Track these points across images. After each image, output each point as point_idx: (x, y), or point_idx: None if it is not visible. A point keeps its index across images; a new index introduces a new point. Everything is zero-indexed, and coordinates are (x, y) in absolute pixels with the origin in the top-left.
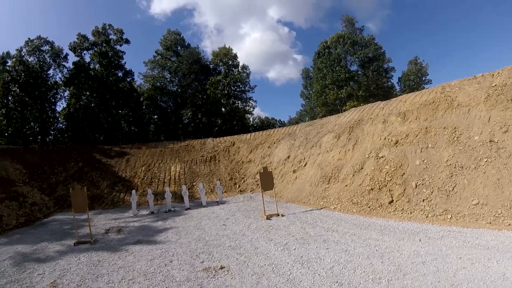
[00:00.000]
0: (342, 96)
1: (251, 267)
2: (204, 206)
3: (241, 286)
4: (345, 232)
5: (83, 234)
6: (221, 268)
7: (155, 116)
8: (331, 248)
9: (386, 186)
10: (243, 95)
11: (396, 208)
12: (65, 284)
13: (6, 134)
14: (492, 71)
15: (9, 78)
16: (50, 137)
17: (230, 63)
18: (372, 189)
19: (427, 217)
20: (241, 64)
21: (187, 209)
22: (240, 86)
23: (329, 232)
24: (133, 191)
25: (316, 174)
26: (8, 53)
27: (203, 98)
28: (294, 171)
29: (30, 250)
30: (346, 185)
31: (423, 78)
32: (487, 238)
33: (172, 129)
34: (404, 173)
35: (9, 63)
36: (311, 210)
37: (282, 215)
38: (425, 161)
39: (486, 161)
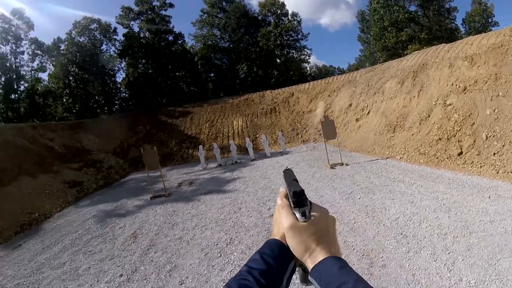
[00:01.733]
0: (403, 39)
1: None
2: (268, 157)
3: None
4: (412, 183)
5: (157, 189)
6: None
7: (212, 74)
8: (396, 198)
9: (455, 136)
10: (297, 44)
11: (465, 161)
12: (144, 233)
13: (74, 110)
14: None
15: (66, 60)
16: (115, 107)
17: (278, 12)
18: (440, 139)
19: (497, 172)
20: (290, 12)
21: (252, 160)
22: (293, 35)
23: (395, 182)
24: (200, 147)
25: (380, 122)
26: (59, 38)
27: (256, 51)
28: (357, 120)
29: (111, 208)
30: (412, 134)
31: (489, 20)
32: None
33: (229, 85)
34: (473, 123)
35: (62, 46)
36: (376, 159)
37: (346, 164)
38: (496, 110)
39: None
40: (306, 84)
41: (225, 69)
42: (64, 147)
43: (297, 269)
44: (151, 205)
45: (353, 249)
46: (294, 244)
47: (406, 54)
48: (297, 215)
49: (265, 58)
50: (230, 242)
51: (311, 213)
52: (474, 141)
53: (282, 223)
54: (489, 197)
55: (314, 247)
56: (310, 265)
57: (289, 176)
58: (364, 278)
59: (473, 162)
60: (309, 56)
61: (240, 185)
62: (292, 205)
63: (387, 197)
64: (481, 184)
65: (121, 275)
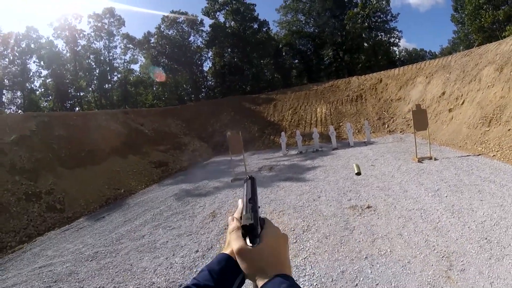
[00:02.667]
0: (500, 18)
1: (398, 210)
2: (351, 146)
3: (386, 226)
4: (503, 185)
5: (238, 172)
6: (368, 207)
7: (296, 61)
8: (485, 200)
9: None
10: (386, 25)
11: None
12: (223, 213)
13: (163, 98)
14: None
15: (156, 52)
16: (202, 94)
17: None
18: None
19: None
20: None
21: (334, 149)
22: (381, 16)
23: (485, 182)
24: (282, 133)
25: (474, 114)
26: (149, 32)
27: (342, 35)
28: (449, 110)
29: (193, 187)
30: (509, 129)
31: None
32: None
33: (314, 71)
34: None
35: (152, 40)
36: (467, 155)
37: (435, 159)
38: None
39: None
40: (396, 70)
41: (309, 55)
42: (153, 131)
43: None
44: (231, 187)
45: (434, 250)
46: (244, 267)
47: (505, 37)
48: (247, 240)
49: (352, 42)
50: (306, 229)
51: (262, 234)
52: None
53: (232, 245)
54: None
55: (264, 268)
56: (259, 284)
57: (249, 190)
58: (440, 281)
59: None
60: (399, 39)
61: (320, 174)
62: (241, 232)
63: (475, 198)
64: None
65: (197, 251)
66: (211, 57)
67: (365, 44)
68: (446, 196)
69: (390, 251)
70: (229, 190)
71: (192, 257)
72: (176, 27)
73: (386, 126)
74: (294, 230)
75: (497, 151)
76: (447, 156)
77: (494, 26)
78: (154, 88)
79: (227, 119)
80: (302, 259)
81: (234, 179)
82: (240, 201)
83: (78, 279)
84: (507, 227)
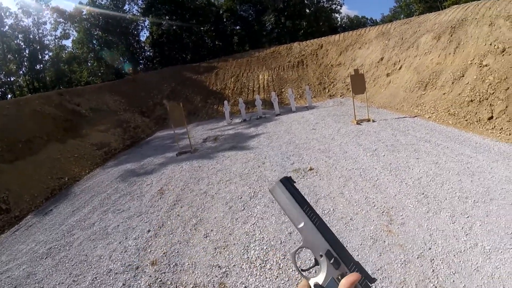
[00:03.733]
0: None
1: (339, 170)
2: (293, 112)
3: (328, 187)
4: (438, 144)
5: (183, 145)
6: (310, 169)
7: (237, 27)
8: (421, 158)
9: (487, 99)
10: None
11: (495, 126)
12: (171, 189)
13: (99, 73)
14: None
15: (89, 25)
16: (140, 66)
17: None
18: (471, 100)
19: None
20: None
21: (277, 115)
22: None
23: (421, 142)
24: (225, 102)
25: (411, 78)
26: (80, 2)
27: (284, 1)
28: (387, 75)
29: (138, 166)
30: (444, 93)
31: None
32: None
33: (256, 38)
34: (508, 88)
35: (84, 11)
36: (403, 117)
37: (373, 121)
38: None
39: None
40: (337, 36)
41: (251, 21)
42: (91, 110)
43: None
44: (177, 161)
45: (374, 206)
46: None
47: (444, 7)
48: None
49: (294, 8)
50: (253, 196)
51: None
52: (507, 107)
53: None
54: None
55: None
56: None
57: (299, 200)
58: (382, 235)
59: (502, 128)
60: (341, 6)
61: (264, 140)
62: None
63: (411, 156)
64: (509, 151)
65: (149, 231)
66: (148, 26)
67: (307, 10)
68: (384, 156)
69: (333, 209)
70: (175, 165)
71: (145, 238)
72: None
73: (327, 90)
74: (241, 197)
75: (433, 113)
76: (385, 118)
77: None
78: (89, 64)
79: (168, 90)
80: (251, 225)
81: (179, 153)
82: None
83: (36, 279)
84: (442, 183)
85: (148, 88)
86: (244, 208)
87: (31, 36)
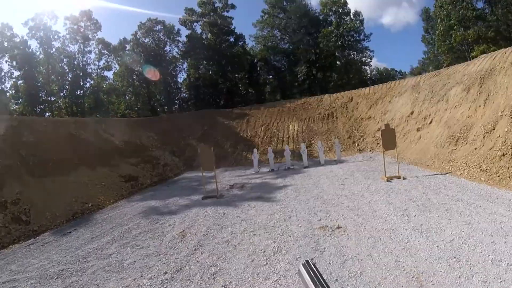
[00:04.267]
0: (470, 38)
1: (368, 230)
2: (322, 165)
3: (356, 247)
4: (470, 203)
5: (209, 189)
6: (338, 227)
7: (270, 76)
8: (453, 219)
9: None
10: (358, 45)
11: None
12: (193, 233)
13: (136, 108)
14: None
15: (131, 60)
16: (175, 106)
17: (340, 11)
18: (503, 154)
19: None
20: (352, 11)
21: (305, 167)
22: (354, 35)
23: (453, 201)
24: (255, 150)
25: (442, 133)
26: (124, 38)
27: (316, 52)
28: (418, 129)
29: (162, 204)
30: (475, 148)
31: None
32: None
33: (287, 88)
34: None
35: (128, 47)
36: (434, 174)
37: (404, 178)
38: None
39: None
40: (367, 89)
41: (283, 71)
42: (124, 142)
43: None
44: (202, 205)
45: (403, 270)
46: None
47: (472, 57)
48: None
49: (325, 60)
50: (277, 251)
51: None
52: None
53: None
54: None
55: None
56: None
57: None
58: None
59: None
60: (371, 59)
61: (291, 193)
62: None
63: (443, 217)
64: None
65: (166, 273)
66: (186, 69)
67: (338, 63)
68: (415, 216)
69: (360, 272)
70: (199, 208)
71: (161, 279)
72: (152, 35)
73: (356, 144)
74: (264, 251)
75: (464, 169)
76: (415, 175)
77: (463, 47)
78: (127, 98)
79: (200, 132)
80: (272, 282)
81: (205, 197)
82: None
83: None
84: (475, 245)
85: (181, 128)
86: (267, 263)
87: (75, 62)
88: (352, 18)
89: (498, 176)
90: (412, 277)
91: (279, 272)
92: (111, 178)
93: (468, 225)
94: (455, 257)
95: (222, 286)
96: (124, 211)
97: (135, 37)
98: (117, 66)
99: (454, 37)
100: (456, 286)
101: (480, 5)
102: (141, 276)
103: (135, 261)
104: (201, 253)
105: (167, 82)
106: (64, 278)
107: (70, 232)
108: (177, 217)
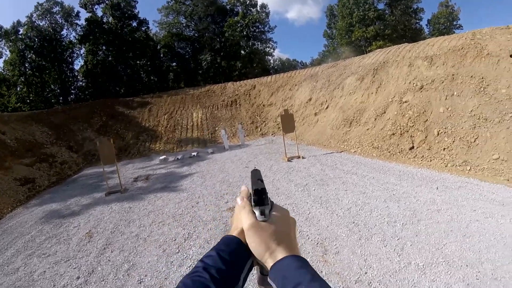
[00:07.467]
0: (368, 35)
1: None
2: (227, 150)
3: None
4: (364, 175)
5: (112, 184)
6: None
7: (174, 64)
8: (349, 190)
9: (407, 132)
10: (263, 36)
11: (416, 155)
12: (100, 232)
13: (28, 100)
14: None
15: (23, 46)
16: (71, 96)
17: (247, 2)
18: (393, 134)
19: (446, 166)
20: (259, 3)
21: (210, 153)
22: (260, 26)
23: (348, 174)
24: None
25: (337, 117)
26: (18, 21)
27: (221, 41)
28: (315, 114)
29: (64, 206)
30: (367, 129)
31: (454, 23)
32: (503, 194)
33: (191, 76)
34: (427, 120)
35: (21, 31)
36: (331, 153)
37: (303, 157)
38: (449, 109)
39: (511, 116)
40: (269, 77)
41: (188, 58)
42: (16, 140)
43: (255, 270)
44: (106, 202)
45: (308, 238)
46: (254, 244)
47: (370, 51)
48: (257, 213)
49: (230, 49)
50: (188, 237)
51: (272, 213)
52: (426, 137)
53: (242, 222)
54: (437, 188)
55: (274, 246)
56: (269, 264)
57: (255, 175)
58: (319, 265)
59: (423, 156)
60: (274, 49)
61: (197, 179)
62: (252, 203)
63: (340, 189)
64: (430, 176)
65: (78, 278)
66: (83, 54)
67: (242, 52)
68: (314, 190)
69: None
70: (103, 205)
71: (75, 285)
72: (49, 17)
73: (259, 129)
74: (175, 240)
75: (358, 147)
76: (314, 154)
77: (361, 42)
78: (18, 89)
79: (98, 124)
80: (187, 268)
81: (108, 193)
82: (243, 186)
83: None
84: (371, 211)
85: (78, 120)
86: (179, 251)
87: None
88: (259, 10)
89: (389, 152)
90: (317, 244)
91: (192, 257)
92: (5, 182)
93: (363, 194)
94: (353, 222)
95: (138, 281)
96: (24, 219)
97: (30, 20)
98: (8, 53)
99: (354, 33)
100: (357, 247)
101: (381, 6)
102: (53, 286)
103: (44, 271)
104: (111, 251)
105: (62, 69)
106: None
107: None
108: (81, 218)
